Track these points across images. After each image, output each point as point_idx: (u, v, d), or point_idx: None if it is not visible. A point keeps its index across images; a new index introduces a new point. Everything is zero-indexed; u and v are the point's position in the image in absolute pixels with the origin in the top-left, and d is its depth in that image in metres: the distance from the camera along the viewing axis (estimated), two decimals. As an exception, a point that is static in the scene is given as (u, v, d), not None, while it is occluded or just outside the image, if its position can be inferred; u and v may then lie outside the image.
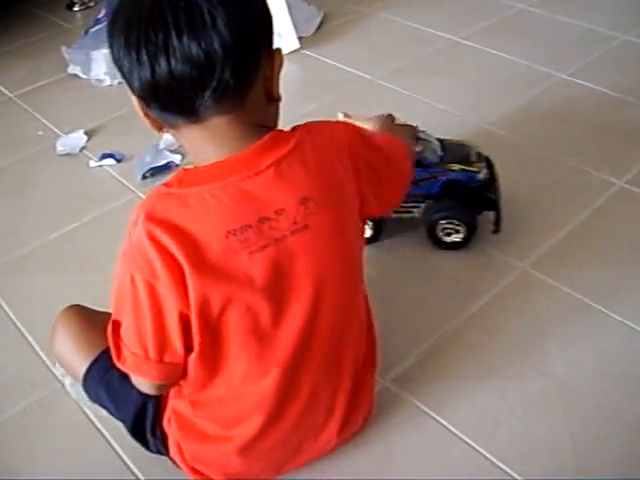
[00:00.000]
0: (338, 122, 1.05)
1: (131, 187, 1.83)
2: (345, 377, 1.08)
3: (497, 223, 1.53)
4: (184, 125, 0.88)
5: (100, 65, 2.33)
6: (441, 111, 2.05)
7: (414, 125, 1.50)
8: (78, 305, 1.21)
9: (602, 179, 1.75)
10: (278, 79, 0.93)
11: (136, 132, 1.97)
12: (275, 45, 0.91)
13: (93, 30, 2.48)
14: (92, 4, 2.86)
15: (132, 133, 2.00)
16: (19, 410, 1.30)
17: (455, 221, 1.52)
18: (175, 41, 0.80)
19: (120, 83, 2.27)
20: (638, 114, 2.00)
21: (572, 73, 2.21)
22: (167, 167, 1.84)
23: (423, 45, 2.44)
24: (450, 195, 1.52)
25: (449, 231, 1.53)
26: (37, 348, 1.41)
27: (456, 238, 1.54)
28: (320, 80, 2.26)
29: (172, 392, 1.05)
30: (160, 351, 0.93)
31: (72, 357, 1.16)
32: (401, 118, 1.44)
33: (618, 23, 2.48)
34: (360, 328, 1.10)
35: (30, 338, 1.44)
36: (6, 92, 2.34)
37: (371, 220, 1.53)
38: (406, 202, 1.52)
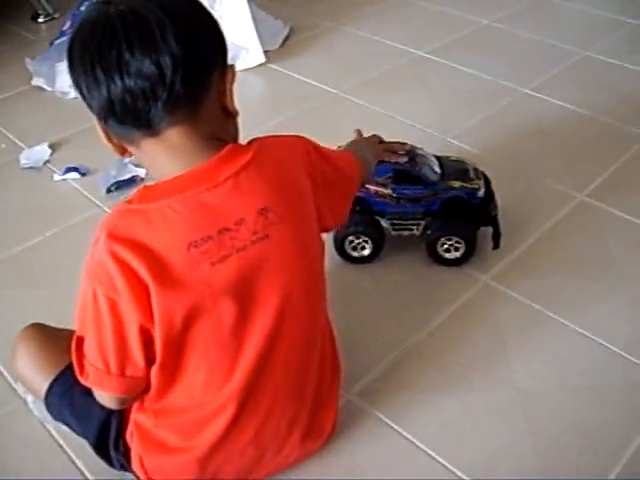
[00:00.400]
0: (294, 135, 1.07)
1: (96, 201, 1.82)
2: (308, 390, 1.09)
3: (496, 239, 1.56)
4: (142, 139, 0.90)
5: (65, 77, 2.31)
6: (406, 125, 2.07)
7: (403, 142, 1.56)
8: (38, 323, 1.21)
9: (563, 192, 1.78)
10: (232, 93, 0.95)
11: (101, 146, 1.96)
12: (235, 61, 0.95)
13: (58, 42, 2.46)
14: (57, 15, 2.84)
15: (97, 146, 1.94)
16: (-20, 427, 1.28)
17: (456, 238, 1.53)
18: (127, 55, 0.84)
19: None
20: (599, 128, 2.04)
21: (535, 88, 2.25)
22: (132, 181, 1.83)
23: (388, 59, 2.46)
24: (450, 212, 1.54)
25: (449, 248, 1.54)
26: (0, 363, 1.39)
27: (457, 254, 1.55)
28: (286, 94, 2.27)
29: (134, 405, 1.05)
30: (121, 365, 0.93)
31: (33, 375, 1.15)
32: (370, 133, 1.46)
33: (579, 39, 2.53)
34: (324, 342, 1.11)
35: (-8, 354, 1.42)
36: (-32, 104, 2.31)
37: (370, 237, 1.56)
38: (406, 219, 1.55)
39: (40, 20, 2.86)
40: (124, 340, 0.91)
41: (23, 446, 1.24)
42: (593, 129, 2.04)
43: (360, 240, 1.56)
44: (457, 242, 1.53)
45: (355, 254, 1.58)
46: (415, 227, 1.56)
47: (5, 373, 1.36)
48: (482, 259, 1.58)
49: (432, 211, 1.54)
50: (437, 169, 1.55)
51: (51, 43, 2.49)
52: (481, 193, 1.55)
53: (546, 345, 1.39)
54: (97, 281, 0.89)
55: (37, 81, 2.37)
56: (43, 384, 1.13)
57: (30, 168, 1.97)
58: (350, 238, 1.55)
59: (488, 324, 1.43)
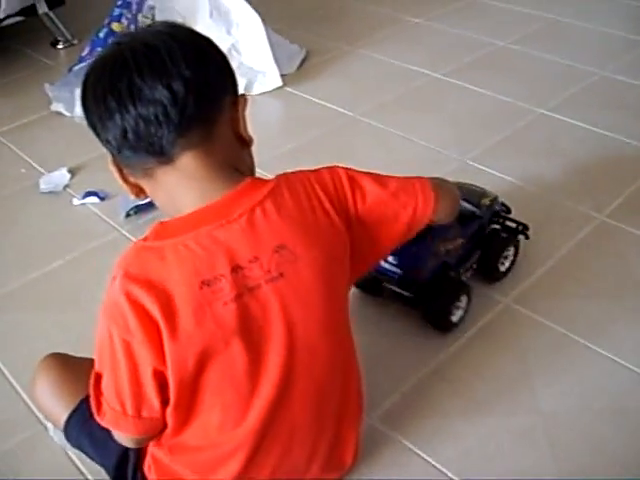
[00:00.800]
0: (326, 167, 1.03)
1: (115, 225, 1.83)
2: (328, 425, 1.06)
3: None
4: (157, 168, 0.90)
5: (83, 103, 2.34)
6: (423, 147, 2.07)
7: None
8: (58, 353, 1.21)
9: (583, 213, 1.77)
10: (245, 121, 0.96)
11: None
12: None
13: (77, 68, 2.49)
14: (76, 42, 2.88)
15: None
16: (0, 452, 1.28)
17: (511, 247, 1.55)
18: (138, 82, 0.85)
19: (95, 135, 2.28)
20: (617, 148, 2.03)
21: (552, 108, 2.24)
22: (151, 205, 1.82)
23: (404, 82, 2.47)
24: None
25: (503, 260, 1.55)
26: (19, 389, 1.39)
27: (507, 264, 1.56)
28: (303, 117, 2.28)
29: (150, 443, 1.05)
30: (137, 406, 0.93)
31: (52, 405, 1.15)
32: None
33: (595, 59, 2.53)
34: (347, 375, 1.08)
35: (12, 379, 1.42)
36: (-11, 130, 2.34)
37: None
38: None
39: (59, 46, 2.89)
40: (139, 382, 0.91)
41: (44, 472, 1.24)
42: (612, 149, 2.03)
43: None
44: (508, 251, 1.56)
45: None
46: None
47: (26, 398, 1.36)
48: (503, 281, 1.56)
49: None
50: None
51: (70, 69, 2.51)
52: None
53: (570, 368, 1.37)
54: (113, 321, 0.89)
55: (56, 106, 2.40)
56: (62, 414, 1.13)
57: (50, 193, 1.98)
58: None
59: (510, 347, 1.42)
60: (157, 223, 0.94)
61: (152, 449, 1.05)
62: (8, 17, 2.64)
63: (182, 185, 0.92)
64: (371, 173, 1.07)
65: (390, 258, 1.38)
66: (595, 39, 2.72)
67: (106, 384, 0.94)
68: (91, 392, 0.97)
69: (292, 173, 1.00)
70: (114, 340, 0.90)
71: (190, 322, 0.88)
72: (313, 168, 1.03)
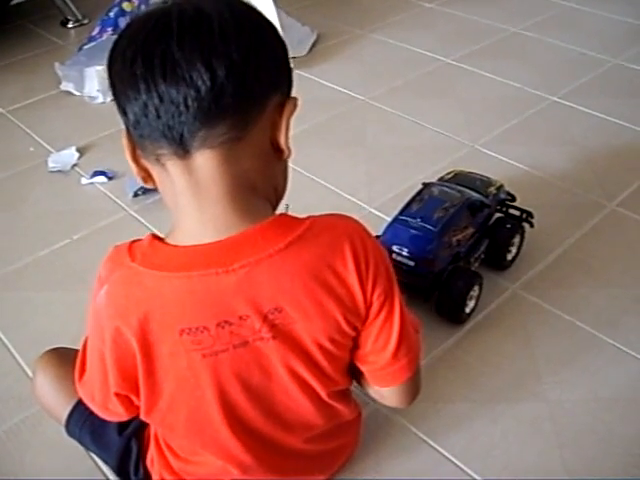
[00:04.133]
0: (368, 236, 0.89)
1: (122, 205, 1.83)
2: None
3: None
4: (169, 158, 0.77)
5: (93, 82, 2.33)
6: (434, 132, 2.06)
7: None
8: (55, 349, 1.18)
9: (594, 201, 1.76)
10: (288, 129, 0.82)
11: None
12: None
13: (87, 47, 2.48)
14: (86, 21, 2.87)
15: (124, 151, 2.01)
16: (5, 429, 1.28)
17: (517, 235, 1.53)
18: (176, 52, 0.72)
19: (113, 100, 2.27)
20: (628, 137, 2.01)
21: (563, 96, 2.22)
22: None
23: (416, 66, 2.45)
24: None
25: (510, 248, 1.53)
26: (24, 366, 1.39)
27: (514, 252, 1.55)
28: (313, 100, 2.26)
29: (152, 436, 1.05)
30: (104, 401, 0.92)
31: (53, 402, 1.14)
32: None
33: (609, 47, 2.51)
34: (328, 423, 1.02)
35: (18, 356, 1.42)
36: (-1, 107, 2.34)
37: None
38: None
39: (69, 26, 2.89)
40: (107, 386, 0.89)
41: (48, 448, 1.24)
42: (623, 137, 2.01)
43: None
44: (514, 239, 1.54)
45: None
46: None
47: (31, 374, 1.36)
48: (511, 268, 1.56)
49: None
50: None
51: (80, 48, 2.51)
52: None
53: (576, 356, 1.36)
54: (93, 329, 0.87)
55: (66, 86, 2.39)
56: (64, 410, 1.12)
57: (58, 172, 1.98)
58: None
59: (517, 334, 1.41)
60: (150, 238, 0.84)
61: (152, 446, 1.05)
62: (19, -5, 2.64)
63: (190, 195, 0.79)
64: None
65: (403, 250, 1.37)
66: (609, 27, 2.70)
67: (87, 364, 0.94)
68: (79, 352, 0.96)
69: (327, 221, 0.86)
70: (93, 340, 0.88)
71: (165, 362, 0.84)
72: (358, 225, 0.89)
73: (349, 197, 1.79)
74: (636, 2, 2.90)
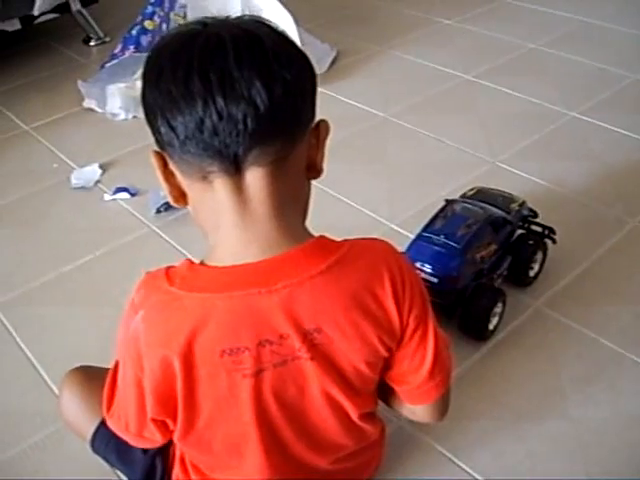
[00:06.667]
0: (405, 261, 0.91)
1: (145, 221, 1.84)
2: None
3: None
4: (218, 174, 0.77)
5: (115, 99, 2.36)
6: (454, 149, 2.06)
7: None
8: (81, 367, 1.18)
9: (615, 217, 1.75)
10: (324, 149, 0.86)
11: (149, 166, 2.00)
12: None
13: (109, 65, 2.51)
14: (108, 39, 2.90)
15: (146, 167, 1.99)
16: (30, 444, 1.29)
17: (540, 252, 1.53)
18: (235, 72, 0.73)
19: (135, 117, 2.30)
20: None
21: (583, 111, 2.22)
22: (181, 202, 1.84)
23: (435, 83, 2.46)
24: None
25: (532, 264, 1.53)
26: (49, 381, 1.40)
27: (536, 268, 1.54)
28: (333, 117, 2.23)
29: (177, 454, 1.05)
30: (139, 429, 0.92)
31: (78, 420, 1.14)
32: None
33: (628, 63, 2.50)
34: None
35: (42, 371, 1.43)
36: (22, 125, 2.36)
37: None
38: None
39: (91, 44, 2.92)
40: (144, 413, 0.88)
41: (72, 463, 1.25)
42: (644, 154, 2.01)
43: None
44: (537, 255, 1.54)
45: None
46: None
47: (55, 389, 1.37)
48: (533, 284, 1.55)
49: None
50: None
51: (102, 66, 2.53)
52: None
53: (600, 373, 1.35)
54: (129, 355, 0.85)
55: (88, 103, 2.41)
56: (89, 429, 1.11)
57: (81, 188, 2.00)
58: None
59: (541, 351, 1.41)
60: (187, 263, 0.84)
61: (178, 463, 1.05)
62: (42, 14, 2.67)
63: (235, 213, 0.79)
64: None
65: (427, 267, 1.37)
66: (627, 42, 2.69)
67: (118, 394, 0.93)
68: (107, 381, 0.95)
69: (364, 245, 0.87)
70: (127, 370, 0.87)
71: (203, 386, 0.84)
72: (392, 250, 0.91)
73: (370, 214, 1.80)
74: (655, 18, 2.90)
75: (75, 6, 2.79)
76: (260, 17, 0.81)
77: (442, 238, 1.39)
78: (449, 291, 1.38)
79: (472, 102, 2.33)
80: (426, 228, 1.43)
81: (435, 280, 1.37)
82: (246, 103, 0.73)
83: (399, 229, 1.72)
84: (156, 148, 0.82)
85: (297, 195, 0.85)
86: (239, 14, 0.82)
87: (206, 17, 0.80)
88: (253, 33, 0.76)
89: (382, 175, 1.96)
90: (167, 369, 0.82)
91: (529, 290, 1.54)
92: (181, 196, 0.84)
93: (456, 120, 2.22)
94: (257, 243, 0.80)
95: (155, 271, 0.85)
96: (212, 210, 0.81)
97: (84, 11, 2.85)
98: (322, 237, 0.85)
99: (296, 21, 2.42)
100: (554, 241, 1.58)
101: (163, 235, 1.78)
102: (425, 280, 1.36)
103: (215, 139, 0.74)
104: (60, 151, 2.19)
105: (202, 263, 0.84)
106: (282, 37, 0.80)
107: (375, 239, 0.92)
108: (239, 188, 0.78)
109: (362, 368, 0.88)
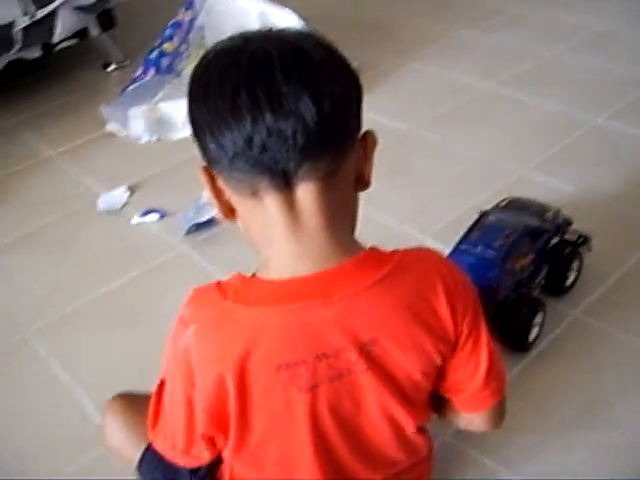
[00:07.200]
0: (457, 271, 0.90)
1: (175, 243, 1.84)
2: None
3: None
4: (268, 190, 0.77)
5: (138, 122, 2.37)
6: (481, 159, 2.05)
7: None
8: (123, 394, 1.18)
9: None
10: (372, 161, 0.85)
11: (176, 188, 2.01)
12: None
13: (131, 88, 2.52)
14: (127, 63, 2.91)
15: (172, 189, 2.03)
16: (73, 469, 1.29)
17: (576, 260, 1.53)
18: (283, 87, 0.72)
19: (159, 139, 2.31)
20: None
21: (609, 117, 2.21)
22: (211, 222, 1.84)
23: (457, 94, 2.45)
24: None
25: (569, 273, 1.52)
26: (88, 407, 1.40)
27: (573, 277, 1.54)
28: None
29: (225, 476, 1.02)
30: (187, 446, 0.90)
31: (124, 447, 1.13)
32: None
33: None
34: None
35: (80, 397, 1.43)
36: (47, 151, 2.37)
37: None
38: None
39: (111, 68, 2.93)
40: (193, 430, 0.87)
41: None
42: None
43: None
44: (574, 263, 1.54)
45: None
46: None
47: (96, 414, 1.36)
48: (570, 293, 1.53)
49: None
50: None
51: (124, 89, 2.54)
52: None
53: (646, 381, 1.33)
54: (179, 371, 0.84)
55: (111, 127, 2.43)
56: (135, 454, 1.10)
57: (108, 212, 2.00)
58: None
59: (583, 360, 1.39)
60: (239, 277, 0.83)
61: None
62: (62, 41, 2.69)
63: (287, 228, 0.79)
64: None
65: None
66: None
67: (164, 412, 0.92)
68: (152, 400, 0.94)
69: (416, 255, 0.87)
70: (176, 387, 0.86)
71: (260, 402, 0.82)
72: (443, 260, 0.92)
73: (401, 227, 1.79)
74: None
75: (94, 31, 2.81)
76: (304, 29, 0.80)
77: (480, 249, 1.38)
78: (489, 303, 1.36)
79: (495, 112, 2.32)
80: (463, 240, 1.43)
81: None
82: (295, 118, 0.72)
83: (432, 241, 1.71)
84: (204, 164, 0.82)
85: (347, 208, 0.85)
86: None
87: (248, 32, 0.79)
88: (299, 46, 0.76)
89: (410, 188, 1.95)
90: (221, 386, 0.81)
91: (567, 299, 1.53)
92: (230, 212, 0.84)
93: (481, 130, 2.21)
94: (310, 257, 0.80)
95: (205, 286, 0.84)
96: (263, 225, 0.80)
97: (103, 36, 2.87)
98: (373, 249, 0.85)
99: (315, 38, 2.43)
100: (589, 249, 1.56)
101: (194, 256, 1.77)
102: None
103: (264, 155, 0.74)
104: (86, 175, 2.20)
105: (254, 276, 0.84)
106: (328, 49, 0.79)
107: (424, 248, 0.92)
108: (290, 203, 0.78)
109: (418, 378, 0.87)
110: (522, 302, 1.40)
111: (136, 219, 1.95)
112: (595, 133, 2.14)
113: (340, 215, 0.82)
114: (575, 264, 1.53)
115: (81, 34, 2.78)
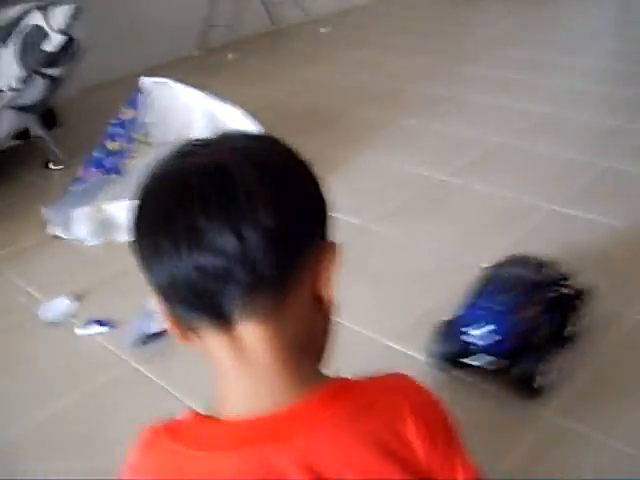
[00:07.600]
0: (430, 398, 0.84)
1: (123, 357, 1.73)
2: None
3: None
4: (207, 331, 0.71)
5: (82, 224, 2.28)
6: (435, 254, 2.01)
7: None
8: None
9: (612, 311, 1.70)
10: (329, 277, 0.76)
11: (124, 295, 1.91)
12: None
13: (73, 189, 2.45)
14: (70, 162, 2.83)
15: (119, 296, 1.93)
16: None
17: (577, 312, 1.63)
18: (201, 221, 0.66)
19: (105, 243, 2.22)
20: (632, 240, 1.98)
21: (561, 203, 2.21)
22: (160, 334, 1.71)
23: (408, 186, 2.44)
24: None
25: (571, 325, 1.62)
26: None
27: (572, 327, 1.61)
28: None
29: None
30: None
31: None
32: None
33: (595, 151, 2.52)
34: None
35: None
36: (-15, 257, 2.26)
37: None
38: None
39: (52, 167, 2.85)
40: None
41: None
42: (627, 241, 1.99)
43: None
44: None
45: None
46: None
47: None
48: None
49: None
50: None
51: (66, 191, 2.47)
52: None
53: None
54: None
55: (53, 229, 2.34)
56: None
57: (51, 322, 1.89)
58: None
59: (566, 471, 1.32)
60: (193, 416, 0.76)
61: None
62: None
63: (236, 362, 0.73)
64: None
65: (474, 331, 1.48)
66: (587, 132, 2.73)
67: None
68: None
69: (383, 384, 0.81)
70: None
71: None
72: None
73: (365, 331, 1.71)
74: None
75: (35, 132, 2.74)
76: (256, 133, 0.74)
77: (489, 304, 1.52)
78: (499, 353, 1.48)
79: (447, 203, 2.31)
80: (472, 296, 1.55)
81: (482, 343, 1.48)
82: (216, 255, 0.67)
83: (393, 345, 1.64)
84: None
85: (306, 335, 0.77)
86: (202, 129, 0.75)
87: (197, 139, 0.75)
88: (224, 168, 0.69)
89: (366, 287, 1.88)
90: None
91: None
92: (184, 337, 0.75)
93: (435, 224, 2.17)
94: (266, 393, 0.73)
95: (154, 426, 0.77)
96: (214, 359, 0.74)
97: (45, 135, 2.80)
98: (337, 379, 0.78)
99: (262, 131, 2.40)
100: (584, 302, 1.63)
101: (145, 372, 1.66)
102: (474, 344, 1.49)
103: (190, 296, 0.69)
104: (26, 283, 2.10)
105: (209, 415, 0.76)
106: (265, 164, 0.71)
107: (394, 374, 0.84)
108: (233, 344, 0.71)
109: None
110: (528, 352, 1.48)
111: (81, 330, 1.84)
112: (549, 219, 2.14)
113: (296, 346, 0.75)
114: (576, 315, 1.62)
115: (22, 135, 2.72)
